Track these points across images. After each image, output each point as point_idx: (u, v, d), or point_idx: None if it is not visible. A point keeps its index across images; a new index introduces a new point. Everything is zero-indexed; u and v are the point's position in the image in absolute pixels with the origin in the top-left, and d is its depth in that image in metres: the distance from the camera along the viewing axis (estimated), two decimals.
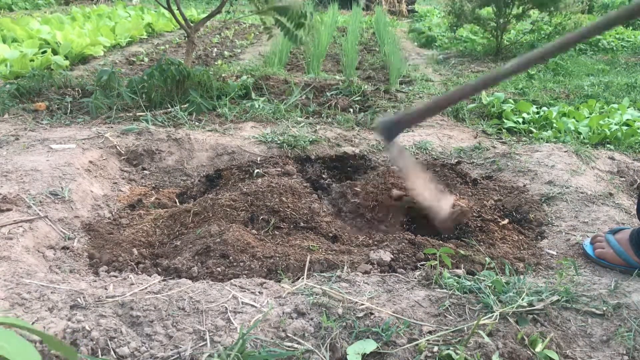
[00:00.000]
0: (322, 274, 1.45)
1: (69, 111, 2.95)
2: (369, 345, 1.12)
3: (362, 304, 1.26)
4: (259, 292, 1.31)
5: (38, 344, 1.06)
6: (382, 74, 4.70)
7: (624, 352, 1.17)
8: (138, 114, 2.86)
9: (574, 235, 1.80)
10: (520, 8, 5.74)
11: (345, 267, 1.51)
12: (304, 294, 1.30)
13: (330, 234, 1.81)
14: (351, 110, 3.29)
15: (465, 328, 1.19)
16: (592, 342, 1.21)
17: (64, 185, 1.90)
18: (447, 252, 1.45)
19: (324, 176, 2.31)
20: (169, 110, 2.95)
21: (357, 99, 3.51)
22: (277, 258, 1.57)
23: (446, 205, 1.74)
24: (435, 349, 1.12)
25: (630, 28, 8.30)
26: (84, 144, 2.33)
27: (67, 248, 1.63)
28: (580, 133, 2.95)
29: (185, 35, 3.55)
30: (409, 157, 1.49)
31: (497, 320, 1.21)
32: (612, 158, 2.53)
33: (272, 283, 1.38)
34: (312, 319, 1.21)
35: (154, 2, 6.19)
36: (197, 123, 2.80)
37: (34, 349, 0.67)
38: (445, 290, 1.34)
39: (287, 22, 3.14)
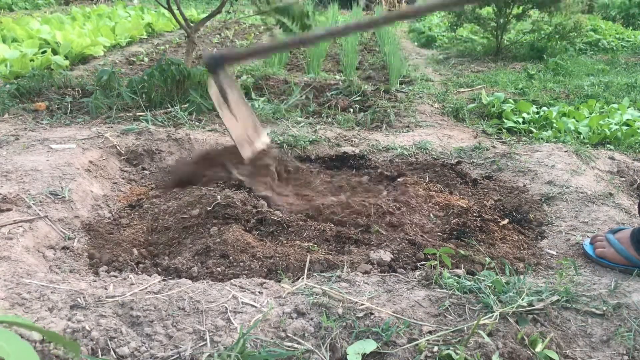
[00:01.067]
0: (322, 274, 1.45)
1: (69, 111, 2.95)
2: (369, 345, 1.12)
3: (362, 304, 1.26)
4: (259, 292, 1.31)
5: (38, 344, 1.06)
6: (382, 74, 4.70)
7: (624, 352, 1.17)
8: (138, 114, 2.86)
9: (574, 235, 1.80)
10: (520, 8, 5.73)
11: (345, 267, 1.51)
12: (304, 294, 1.30)
13: None
14: (351, 110, 3.29)
15: (465, 328, 1.19)
16: (592, 342, 1.21)
17: (64, 185, 1.90)
18: (447, 252, 1.45)
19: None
20: (169, 110, 2.95)
21: (357, 99, 3.51)
22: (277, 258, 1.57)
23: (257, 146, 1.56)
24: (435, 349, 1.12)
25: (630, 28, 8.30)
26: (84, 144, 2.33)
27: (67, 248, 1.63)
28: (580, 133, 2.95)
29: (185, 35, 3.55)
30: (235, 89, 1.42)
31: (497, 320, 1.21)
32: (612, 158, 2.53)
33: (272, 283, 1.38)
34: (312, 319, 1.21)
35: (154, 2, 6.19)
36: (197, 123, 2.80)
37: (33, 350, 0.67)
38: (445, 290, 1.34)
39: (289, 22, 3.14)
